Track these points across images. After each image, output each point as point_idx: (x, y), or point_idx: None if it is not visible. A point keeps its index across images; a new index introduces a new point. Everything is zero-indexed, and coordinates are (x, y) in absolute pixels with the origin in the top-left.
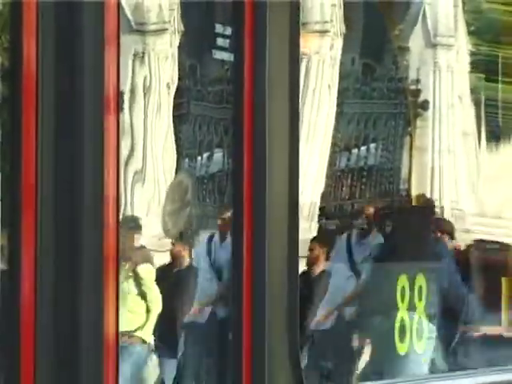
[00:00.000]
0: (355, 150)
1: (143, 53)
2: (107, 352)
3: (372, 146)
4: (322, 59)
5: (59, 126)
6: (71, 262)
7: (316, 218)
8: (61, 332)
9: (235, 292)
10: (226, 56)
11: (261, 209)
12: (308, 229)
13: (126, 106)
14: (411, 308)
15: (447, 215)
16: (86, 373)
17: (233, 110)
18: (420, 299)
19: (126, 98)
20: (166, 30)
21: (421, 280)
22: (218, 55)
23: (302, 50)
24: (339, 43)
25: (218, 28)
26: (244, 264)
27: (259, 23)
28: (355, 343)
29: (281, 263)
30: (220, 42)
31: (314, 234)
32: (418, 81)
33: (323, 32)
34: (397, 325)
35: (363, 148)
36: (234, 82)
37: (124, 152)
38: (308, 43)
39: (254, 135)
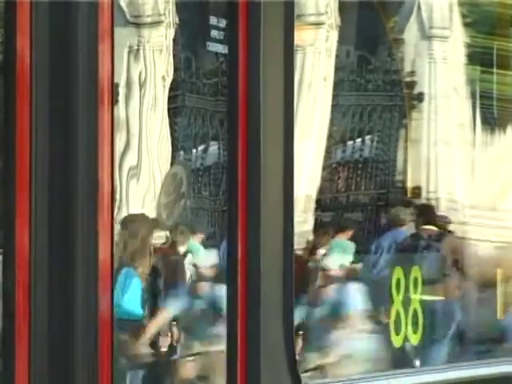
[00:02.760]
0: (351, 143)
1: (138, 45)
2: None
3: (367, 138)
4: (317, 51)
5: (53, 119)
6: (66, 259)
7: (312, 211)
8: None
9: (230, 284)
10: (221, 48)
11: (256, 201)
12: (303, 221)
13: (120, 99)
14: (406, 300)
15: (442, 207)
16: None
17: (228, 102)
18: (415, 291)
19: (121, 91)
20: (161, 22)
21: (416, 272)
22: (213, 48)
23: (296, 42)
24: (334, 35)
25: (213, 20)
26: (239, 256)
27: (254, 15)
28: (351, 336)
29: (276, 255)
30: (215, 34)
31: (310, 226)
32: (413, 73)
33: (318, 24)
34: (392, 317)
35: (358, 140)
36: (228, 75)
37: (119, 145)
38: (303, 35)
39: (248, 127)
